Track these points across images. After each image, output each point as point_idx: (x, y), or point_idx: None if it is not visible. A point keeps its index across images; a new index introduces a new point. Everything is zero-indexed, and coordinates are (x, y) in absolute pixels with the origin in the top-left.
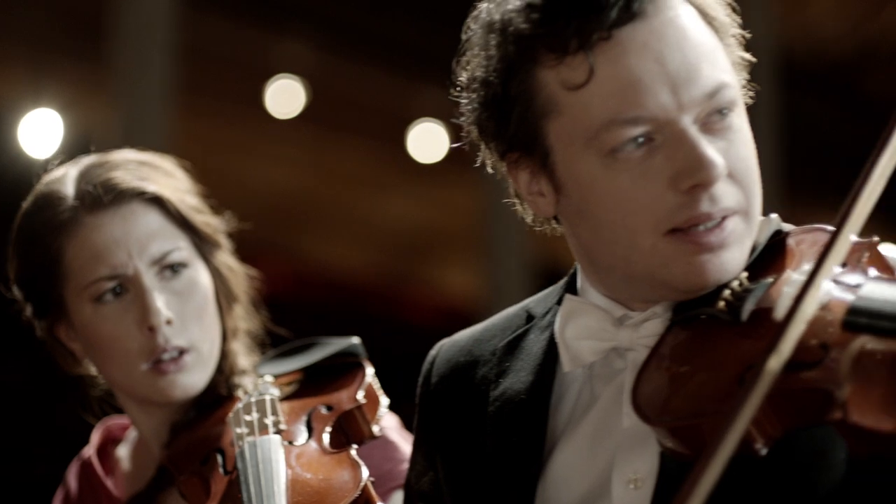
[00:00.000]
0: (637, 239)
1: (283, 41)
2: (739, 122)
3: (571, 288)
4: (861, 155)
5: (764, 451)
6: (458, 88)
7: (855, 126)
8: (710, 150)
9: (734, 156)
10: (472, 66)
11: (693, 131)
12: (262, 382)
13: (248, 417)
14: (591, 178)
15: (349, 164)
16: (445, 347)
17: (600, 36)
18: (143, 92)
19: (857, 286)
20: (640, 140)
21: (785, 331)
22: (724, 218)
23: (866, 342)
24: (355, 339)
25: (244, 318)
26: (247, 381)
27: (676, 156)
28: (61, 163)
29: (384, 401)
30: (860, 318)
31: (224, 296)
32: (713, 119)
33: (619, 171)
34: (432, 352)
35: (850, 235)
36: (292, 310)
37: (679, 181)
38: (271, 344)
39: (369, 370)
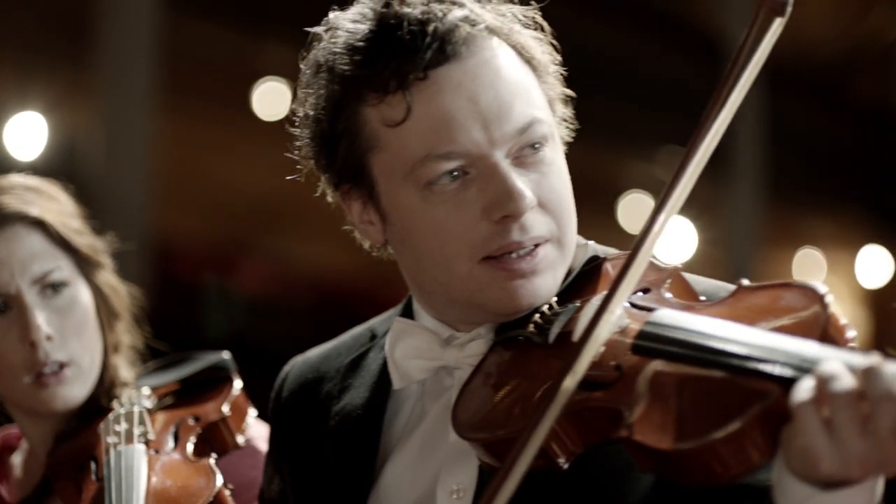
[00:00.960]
0: (454, 266)
1: (269, 44)
2: (552, 155)
3: (409, 310)
4: (848, 157)
5: (566, 465)
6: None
7: (842, 129)
8: (520, 182)
9: (546, 188)
10: (304, 104)
11: (504, 165)
12: (136, 394)
13: (118, 427)
14: (410, 208)
15: None
16: (297, 364)
17: (416, 76)
18: (127, 95)
19: (652, 311)
20: (455, 174)
21: (580, 352)
22: (536, 246)
23: (657, 366)
24: (226, 355)
25: (126, 334)
26: (126, 393)
27: (488, 188)
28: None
29: (251, 412)
30: (648, 343)
31: (105, 313)
32: (525, 153)
33: (435, 202)
34: (286, 367)
35: (645, 262)
36: (280, 311)
37: (491, 212)
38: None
39: (237, 384)
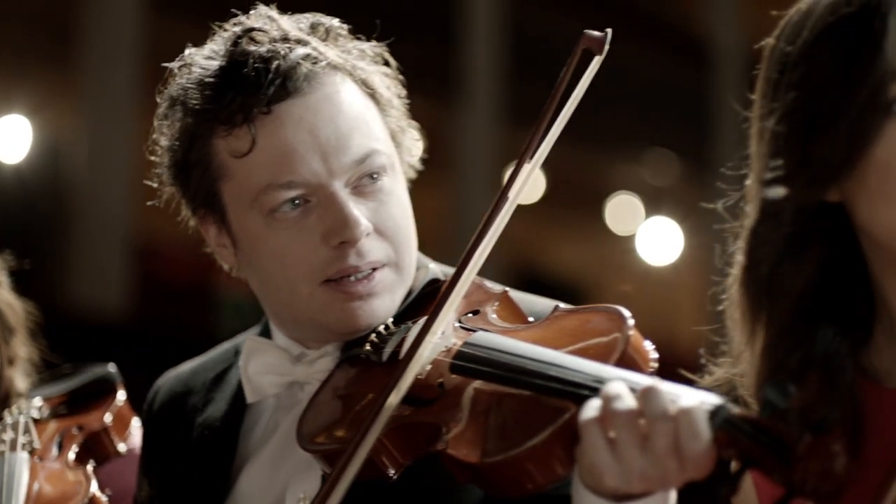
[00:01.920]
0: (296, 288)
1: None
2: (392, 185)
3: (267, 329)
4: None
5: (395, 476)
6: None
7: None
8: (356, 211)
9: (383, 215)
10: (161, 135)
11: (342, 194)
12: (26, 404)
13: (5, 436)
14: (256, 234)
15: None
16: (169, 378)
17: (261, 111)
18: (111, 97)
19: (473, 333)
20: (297, 202)
21: (404, 370)
22: (374, 270)
23: (476, 385)
24: (111, 367)
25: (22, 347)
26: (17, 403)
27: (327, 216)
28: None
29: (135, 422)
30: (463, 363)
31: (1, 328)
32: (364, 183)
33: (278, 228)
34: (158, 381)
35: (465, 288)
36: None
37: (329, 238)
38: None
39: (121, 395)
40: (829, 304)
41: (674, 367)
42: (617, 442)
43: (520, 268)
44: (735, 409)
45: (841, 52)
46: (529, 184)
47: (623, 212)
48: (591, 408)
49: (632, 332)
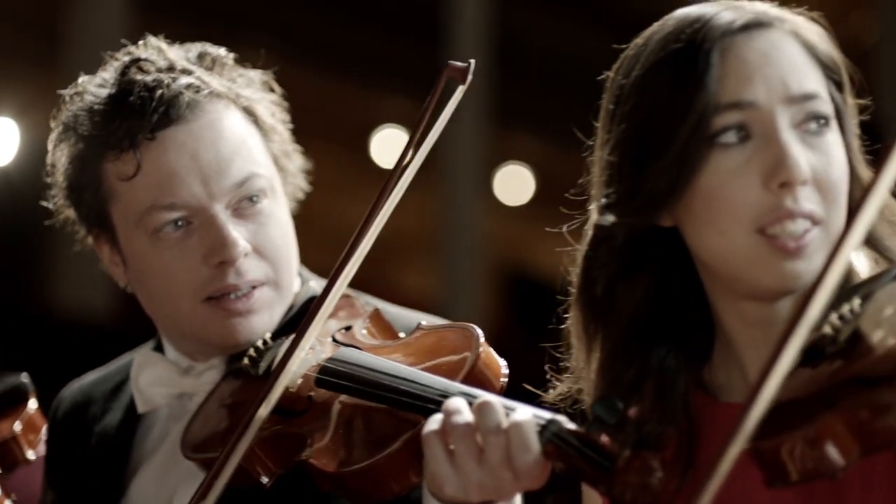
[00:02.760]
0: (180, 305)
1: (242, 48)
2: (271, 207)
3: (161, 342)
4: None
5: (268, 483)
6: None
7: None
8: (235, 232)
9: (262, 236)
10: (55, 159)
11: (222, 216)
12: None
13: None
14: (142, 253)
15: (312, 169)
16: (73, 388)
17: (145, 137)
18: None
19: (339, 347)
20: (179, 223)
21: (273, 384)
22: (253, 288)
23: (342, 398)
24: (24, 377)
25: None
26: None
27: (207, 237)
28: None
29: (45, 430)
30: (325, 378)
31: None
32: (244, 205)
33: (162, 248)
34: (63, 391)
35: (331, 307)
36: None
37: (209, 258)
38: None
39: (32, 403)
40: (664, 324)
41: None
42: (455, 454)
43: (509, 269)
44: (565, 424)
45: (669, 85)
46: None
47: None
48: (433, 421)
49: (482, 350)
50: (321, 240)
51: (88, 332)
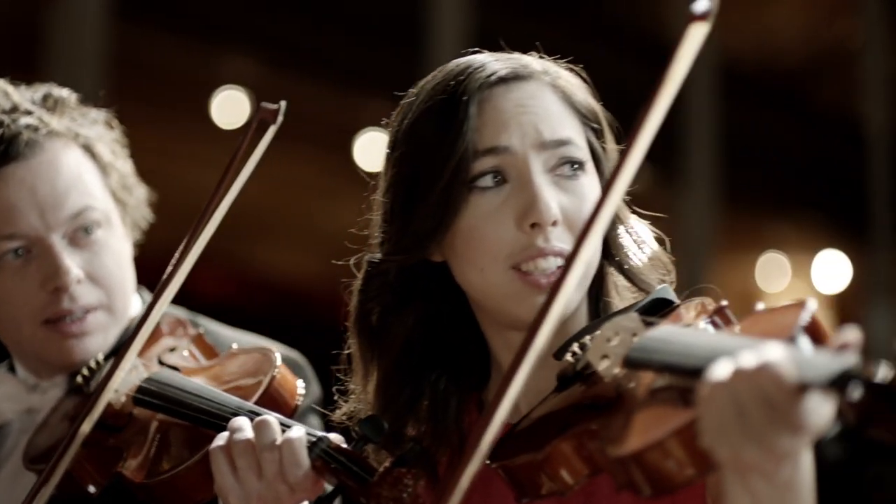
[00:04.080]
0: (21, 327)
1: (229, 53)
2: (106, 237)
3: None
4: (808, 164)
5: (95, 492)
6: None
7: (802, 134)
8: (68, 260)
9: (96, 264)
10: None
11: (58, 246)
12: None
13: None
14: None
15: (296, 173)
16: None
17: None
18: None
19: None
20: (19, 251)
21: (95, 401)
22: (87, 312)
23: (158, 416)
24: None
25: None
26: None
27: (44, 264)
28: None
29: None
30: (140, 396)
31: None
32: (79, 235)
33: (4, 275)
34: None
35: (150, 328)
36: (242, 316)
37: (45, 284)
38: None
39: None
40: (437, 350)
41: None
42: (237, 468)
43: None
44: (333, 442)
45: (432, 133)
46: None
47: None
48: (220, 438)
49: (277, 373)
50: (304, 242)
51: None
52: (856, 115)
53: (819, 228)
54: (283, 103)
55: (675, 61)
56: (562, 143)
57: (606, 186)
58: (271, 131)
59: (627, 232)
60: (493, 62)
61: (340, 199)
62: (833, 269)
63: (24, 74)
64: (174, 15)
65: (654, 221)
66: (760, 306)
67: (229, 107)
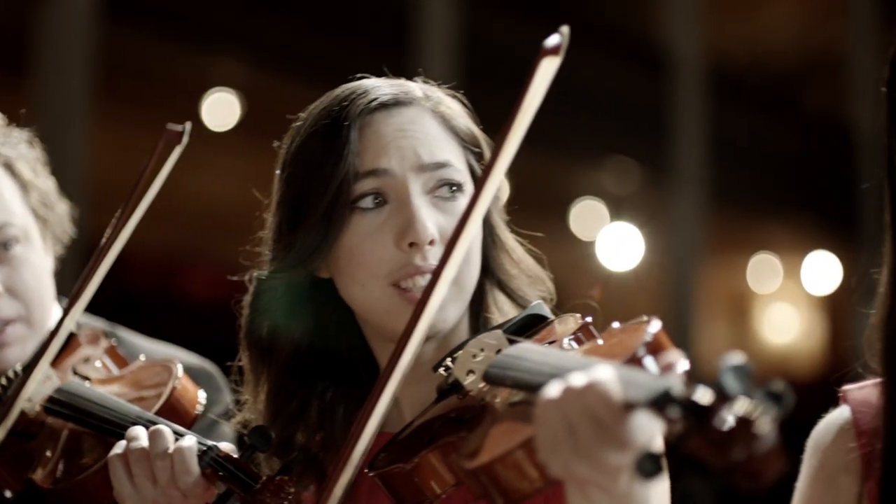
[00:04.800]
0: None
1: (221, 56)
2: (25, 252)
3: None
4: (799, 166)
5: (11, 497)
6: None
7: (790, 137)
8: None
9: (15, 279)
10: None
11: None
12: None
13: None
14: None
15: None
16: None
17: None
18: (65, 105)
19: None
20: None
21: (8, 409)
22: (6, 325)
23: (68, 424)
24: None
25: None
26: None
27: None
28: None
29: None
30: (50, 406)
31: None
32: None
33: None
34: None
35: (59, 341)
36: (228, 318)
37: None
38: None
39: None
40: (325, 362)
41: None
42: (133, 475)
43: None
44: (223, 451)
45: (317, 156)
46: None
47: (587, 216)
48: (118, 446)
49: (177, 384)
50: None
51: None
52: (846, 117)
53: (809, 230)
54: (188, 125)
55: (527, 94)
56: (440, 165)
57: (468, 209)
58: (177, 152)
59: (506, 251)
60: (376, 88)
61: None
62: (823, 271)
63: (12, 77)
64: (164, 17)
65: (642, 223)
66: (615, 324)
67: (219, 109)
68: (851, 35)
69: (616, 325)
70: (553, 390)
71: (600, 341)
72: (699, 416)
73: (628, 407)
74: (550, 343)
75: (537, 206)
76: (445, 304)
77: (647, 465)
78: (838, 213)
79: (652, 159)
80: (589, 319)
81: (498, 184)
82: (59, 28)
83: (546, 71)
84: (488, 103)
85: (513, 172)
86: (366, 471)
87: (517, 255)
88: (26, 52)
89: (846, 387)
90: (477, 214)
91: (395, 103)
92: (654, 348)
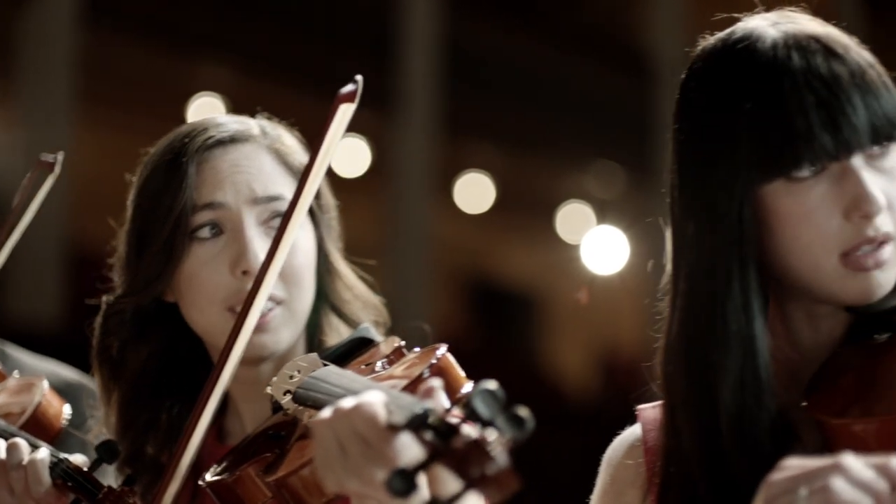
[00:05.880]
0: None
1: (203, 63)
2: None
3: None
4: None
5: None
6: None
7: None
8: None
9: None
10: None
11: None
12: None
13: None
14: None
15: None
16: None
17: None
18: (48, 110)
19: None
20: None
21: None
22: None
23: None
24: None
25: None
26: None
27: None
28: None
29: None
30: None
31: None
32: None
33: None
34: None
35: None
36: None
37: None
38: None
39: None
40: (174, 378)
41: (617, 372)
42: None
43: (470, 276)
44: (73, 463)
45: (159, 189)
46: None
47: (573, 219)
48: None
49: (42, 399)
50: None
51: (38, 342)
52: None
53: None
54: (60, 155)
55: (326, 138)
56: (273, 198)
57: (273, 243)
58: (49, 181)
59: (339, 277)
60: (216, 126)
61: None
62: None
63: None
64: (149, 22)
65: (627, 226)
66: (416, 348)
67: (205, 114)
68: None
69: (416, 349)
70: (326, 412)
71: (401, 365)
72: (445, 437)
73: (392, 428)
74: (367, 365)
75: (524, 210)
76: (278, 328)
77: (397, 483)
78: None
79: (637, 163)
80: (402, 343)
81: (302, 218)
82: (44, 33)
83: (343, 116)
84: (469, 108)
85: (500, 176)
86: (199, 482)
87: (350, 281)
88: (10, 57)
89: (640, 406)
90: (283, 249)
91: (232, 140)
92: (438, 372)
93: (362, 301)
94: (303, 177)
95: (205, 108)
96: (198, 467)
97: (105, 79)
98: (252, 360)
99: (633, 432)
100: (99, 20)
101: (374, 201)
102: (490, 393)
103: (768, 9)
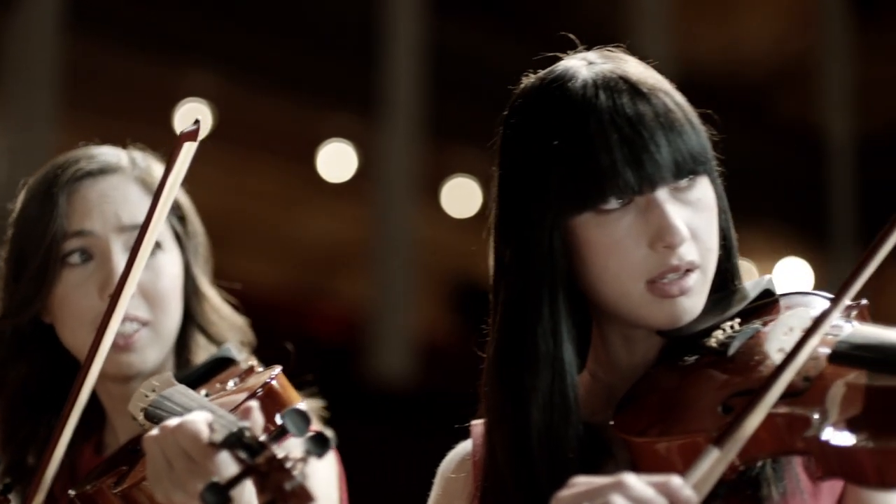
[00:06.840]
0: None
1: (190, 68)
2: None
3: None
4: (772, 174)
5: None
6: None
7: (767, 145)
8: None
9: None
10: None
11: None
12: None
13: None
14: None
15: (260, 184)
16: None
17: None
18: (32, 118)
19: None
20: None
21: None
22: None
23: None
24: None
25: None
26: None
27: None
28: None
29: None
30: None
31: None
32: None
33: None
34: None
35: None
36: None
37: None
38: None
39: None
40: (55, 394)
41: None
42: None
43: (457, 280)
44: None
45: (33, 218)
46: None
47: None
48: None
49: None
50: (270, 252)
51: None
52: (818, 126)
53: (782, 236)
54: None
55: (171, 174)
56: (136, 227)
57: (126, 268)
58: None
59: (206, 300)
60: (87, 158)
61: (305, 209)
62: (795, 276)
63: None
64: (134, 28)
65: None
66: (260, 368)
67: (192, 119)
68: (822, 44)
69: (260, 369)
70: (155, 430)
71: (243, 385)
72: (253, 455)
73: (213, 445)
74: (222, 383)
75: None
76: (144, 348)
77: (209, 497)
78: (810, 220)
79: None
80: (252, 364)
81: (150, 248)
82: (28, 38)
83: (187, 154)
84: (456, 112)
85: (487, 181)
86: (70, 492)
87: (216, 303)
88: None
89: (473, 421)
90: (133, 276)
91: (101, 171)
92: (268, 392)
93: (228, 322)
94: (149, 212)
95: (191, 114)
96: (76, 479)
97: (90, 85)
98: (121, 377)
99: (464, 447)
100: (84, 26)
101: (360, 205)
102: (299, 414)
103: (752, 14)
